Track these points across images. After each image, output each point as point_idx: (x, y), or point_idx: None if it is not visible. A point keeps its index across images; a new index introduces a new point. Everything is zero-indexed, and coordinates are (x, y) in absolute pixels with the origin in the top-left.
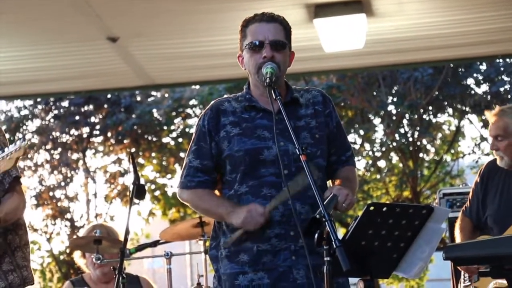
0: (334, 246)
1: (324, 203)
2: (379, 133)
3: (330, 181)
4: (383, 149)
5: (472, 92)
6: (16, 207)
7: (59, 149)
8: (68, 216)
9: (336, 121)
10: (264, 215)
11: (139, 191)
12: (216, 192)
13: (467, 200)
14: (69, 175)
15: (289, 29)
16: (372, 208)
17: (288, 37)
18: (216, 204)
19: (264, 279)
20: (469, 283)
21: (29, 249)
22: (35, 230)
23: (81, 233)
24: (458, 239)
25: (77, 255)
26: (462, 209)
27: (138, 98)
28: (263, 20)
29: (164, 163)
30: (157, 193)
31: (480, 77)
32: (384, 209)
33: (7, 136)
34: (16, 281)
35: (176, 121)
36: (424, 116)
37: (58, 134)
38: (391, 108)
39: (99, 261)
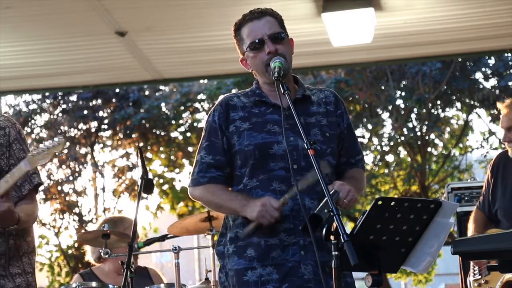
0: (342, 241)
1: (324, 200)
2: (387, 128)
3: None
4: (391, 143)
5: (481, 86)
6: (32, 213)
7: (67, 144)
8: (76, 210)
9: (347, 123)
10: (279, 209)
11: (147, 186)
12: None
13: (481, 194)
14: (77, 169)
15: (281, 18)
16: (380, 202)
17: (282, 26)
18: (229, 198)
19: (273, 274)
20: (479, 277)
21: (35, 257)
22: (44, 224)
23: (94, 227)
24: (470, 230)
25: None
26: (477, 203)
27: (147, 93)
28: (254, 18)
29: (172, 157)
30: (165, 187)
31: (489, 71)
32: (392, 203)
33: None
34: (23, 285)
35: (184, 115)
36: (433, 111)
37: (66, 128)
38: (399, 102)
39: (107, 255)
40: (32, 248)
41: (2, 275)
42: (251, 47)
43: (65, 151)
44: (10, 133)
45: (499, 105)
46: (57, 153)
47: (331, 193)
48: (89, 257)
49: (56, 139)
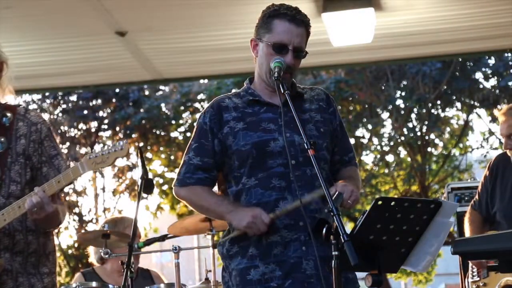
0: (342, 241)
1: (319, 190)
2: (387, 128)
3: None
4: (391, 143)
5: (481, 86)
6: (64, 215)
7: (68, 144)
8: (76, 210)
9: (339, 120)
10: (268, 224)
11: (147, 186)
12: (216, 190)
13: (476, 194)
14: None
15: (310, 32)
16: (380, 202)
17: (307, 41)
18: (216, 202)
19: (276, 271)
20: (477, 279)
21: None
22: None
23: (94, 227)
24: (467, 232)
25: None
26: (471, 202)
27: (146, 93)
28: (293, 22)
29: (172, 157)
30: (165, 187)
31: (489, 71)
32: (392, 203)
33: None
34: (49, 285)
35: (184, 115)
36: (433, 111)
37: (66, 128)
38: (399, 102)
39: (107, 256)
40: (54, 247)
41: (32, 273)
42: (273, 46)
43: (65, 151)
44: (42, 129)
45: (496, 112)
46: (119, 158)
47: (335, 195)
48: (92, 258)
49: (120, 142)
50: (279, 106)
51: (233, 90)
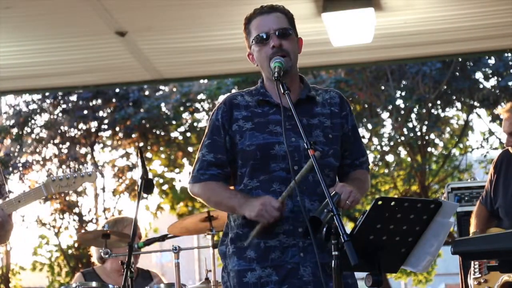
0: (342, 241)
1: (324, 201)
2: (387, 128)
3: None
4: (391, 143)
5: (481, 86)
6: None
7: (68, 144)
8: (76, 210)
9: (352, 124)
10: (279, 209)
11: (147, 186)
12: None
13: (484, 189)
14: (77, 169)
15: (291, 16)
16: (380, 202)
17: (292, 23)
18: (228, 196)
19: (272, 276)
20: (479, 275)
21: None
22: (44, 224)
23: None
24: (472, 225)
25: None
26: (480, 198)
27: (146, 93)
28: (263, 13)
29: (172, 157)
30: (165, 187)
31: (489, 71)
32: (392, 203)
33: (15, 130)
34: None
35: (184, 115)
36: (433, 111)
37: (66, 128)
38: (399, 102)
39: (107, 255)
40: None
41: None
42: (256, 40)
43: (65, 151)
44: None
45: (499, 109)
46: (84, 185)
47: (331, 195)
48: (94, 258)
49: (88, 170)
50: (288, 108)
51: (233, 90)
